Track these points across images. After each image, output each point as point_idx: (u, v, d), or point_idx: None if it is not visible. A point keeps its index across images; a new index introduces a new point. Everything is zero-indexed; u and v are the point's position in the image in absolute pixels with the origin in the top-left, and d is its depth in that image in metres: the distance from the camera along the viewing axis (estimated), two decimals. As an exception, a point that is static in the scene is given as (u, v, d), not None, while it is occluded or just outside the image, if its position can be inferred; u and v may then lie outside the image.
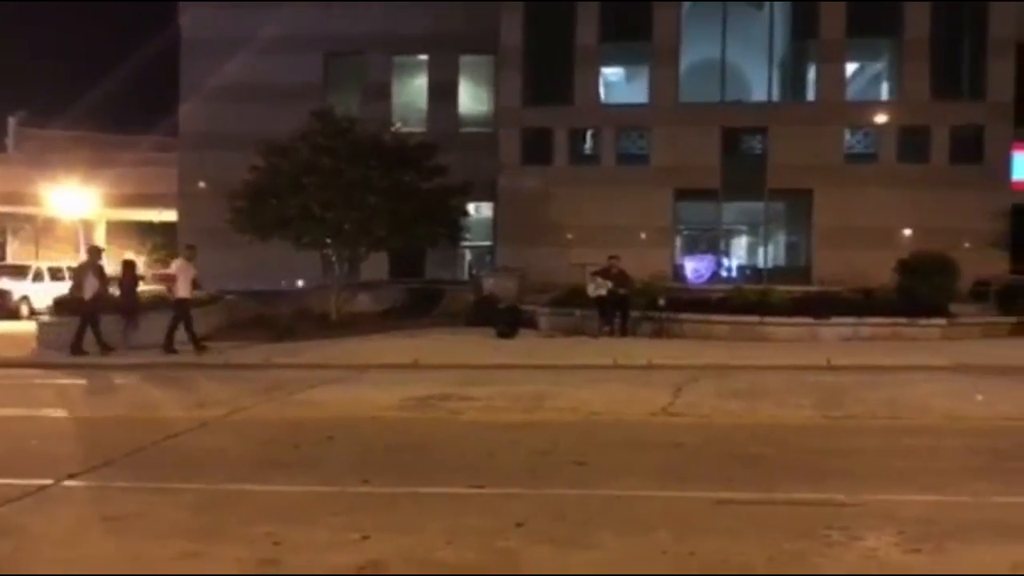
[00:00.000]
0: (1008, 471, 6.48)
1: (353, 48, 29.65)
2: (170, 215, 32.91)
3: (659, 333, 18.23)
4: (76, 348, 15.14)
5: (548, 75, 27.13)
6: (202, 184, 28.29)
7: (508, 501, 5.71)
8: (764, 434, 8.17)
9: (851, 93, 27.26)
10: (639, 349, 15.64)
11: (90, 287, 15.48)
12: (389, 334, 18.37)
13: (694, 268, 25.59)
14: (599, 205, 25.78)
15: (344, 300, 21.76)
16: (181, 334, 15.53)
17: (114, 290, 16.48)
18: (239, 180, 21.21)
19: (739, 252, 31.27)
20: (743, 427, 8.61)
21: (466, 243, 26.91)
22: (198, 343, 15.48)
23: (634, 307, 18.57)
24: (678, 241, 28.24)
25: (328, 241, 21.16)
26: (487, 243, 28.82)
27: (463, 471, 6.60)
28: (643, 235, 25.69)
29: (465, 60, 29.75)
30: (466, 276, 29.43)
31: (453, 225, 22.31)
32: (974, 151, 25.15)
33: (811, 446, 7.51)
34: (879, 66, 28.31)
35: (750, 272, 27.76)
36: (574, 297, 19.76)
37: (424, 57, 30.02)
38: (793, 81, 27.53)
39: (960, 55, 25.72)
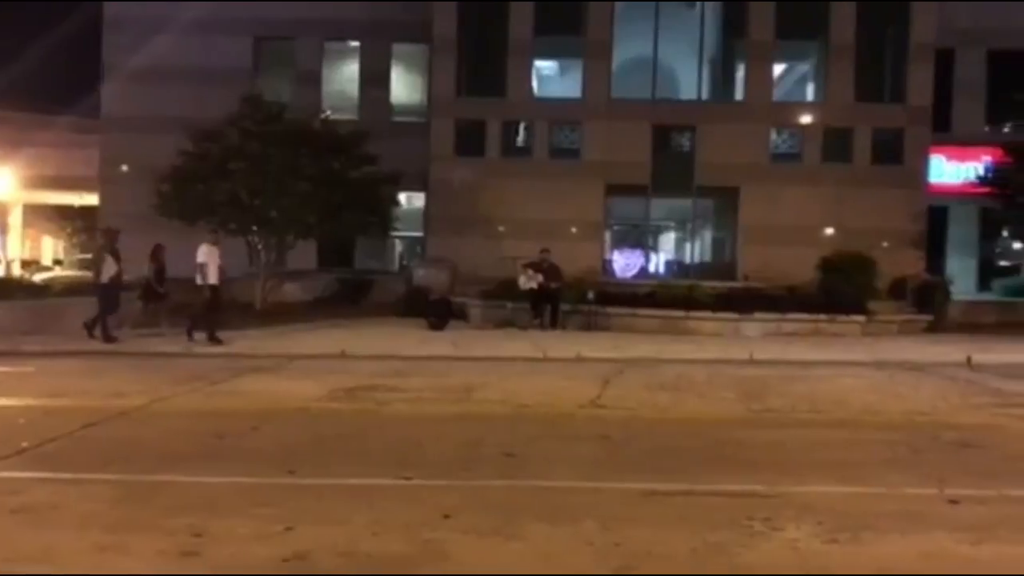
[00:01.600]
0: (921, 463, 6.70)
1: (284, 33, 29.16)
2: (91, 199, 31.93)
3: (588, 326, 18.42)
4: (106, 335, 14.63)
5: (482, 66, 27.10)
6: (125, 168, 27.54)
7: (436, 492, 5.70)
8: (689, 427, 8.31)
9: (778, 94, 27.83)
10: (569, 342, 15.75)
11: (107, 270, 14.97)
12: (317, 324, 18.17)
13: (623, 263, 25.85)
14: (531, 198, 25.87)
15: (271, 289, 21.48)
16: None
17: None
18: (164, 164, 20.78)
19: (667, 248, 31.73)
20: (669, 420, 8.74)
21: (397, 233, 26.75)
22: (214, 335, 14.94)
23: (565, 301, 18.72)
24: (608, 236, 28.50)
25: (255, 228, 20.82)
26: (418, 234, 28.69)
27: (391, 462, 6.56)
28: (574, 229, 25.88)
29: (399, 48, 29.50)
30: (397, 267, 29.29)
31: (384, 214, 22.18)
32: (894, 153, 25.94)
33: (734, 438, 7.66)
34: (806, 68, 28.97)
35: (677, 267, 28.19)
36: (505, 289, 19.81)
37: (356, 44, 29.68)
38: (722, 80, 27.98)
39: (883, 59, 26.47)
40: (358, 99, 29.38)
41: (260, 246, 21.52)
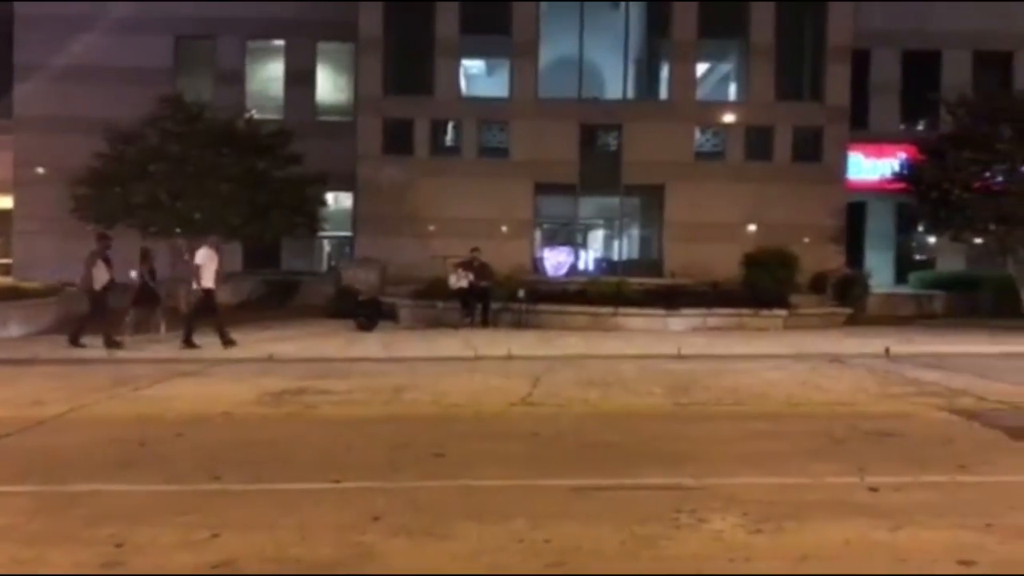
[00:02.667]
0: (841, 453, 6.88)
1: (205, 31, 28.53)
2: (4, 201, 30.81)
3: (519, 324, 18.47)
4: (110, 340, 14.36)
5: (409, 65, 26.93)
6: (41, 170, 26.65)
7: (365, 495, 5.66)
8: (618, 422, 8.40)
9: (702, 93, 28.26)
10: (500, 340, 15.77)
11: (100, 277, 14.55)
12: (243, 327, 17.82)
13: (554, 261, 25.99)
14: (461, 197, 25.82)
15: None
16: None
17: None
18: (81, 166, 20.18)
19: (596, 245, 31.96)
20: (598, 415, 8.82)
21: (324, 233, 26.46)
22: (227, 337, 14.68)
23: (495, 299, 18.75)
24: (538, 234, 28.61)
25: (178, 231, 20.36)
26: (346, 234, 28.38)
27: (319, 466, 6.49)
28: (504, 228, 25.91)
29: (324, 47, 29.12)
30: (325, 267, 28.93)
31: (311, 215, 21.92)
32: (814, 151, 26.56)
33: (661, 432, 7.77)
34: (728, 68, 29.46)
35: (606, 265, 28.41)
36: (436, 289, 19.76)
37: (280, 43, 29.19)
38: (647, 80, 28.32)
39: (802, 60, 27.08)
40: (283, 98, 28.91)
41: (184, 249, 21.06)
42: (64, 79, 26.87)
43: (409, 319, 19.73)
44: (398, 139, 26.53)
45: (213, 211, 19.55)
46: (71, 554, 4.54)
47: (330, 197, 24.69)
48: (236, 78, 28.41)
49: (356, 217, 27.32)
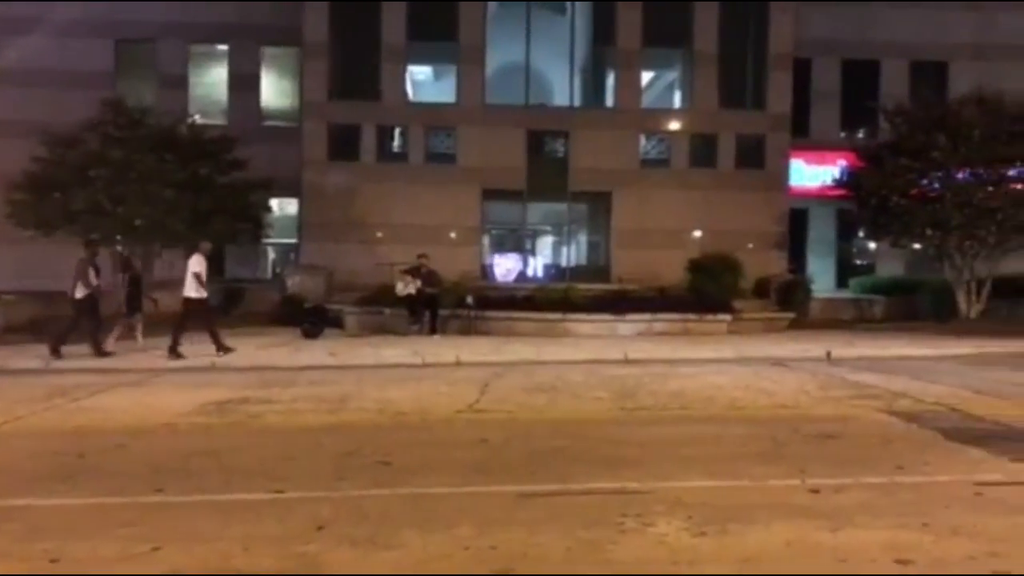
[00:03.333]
0: (784, 455, 6.98)
1: (146, 35, 28.08)
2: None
3: (467, 331, 18.45)
4: (99, 349, 14.25)
5: (355, 70, 26.80)
6: (-25, 175, 25.98)
7: (309, 504, 5.59)
8: (565, 427, 8.42)
9: (647, 100, 28.57)
10: (447, 347, 15.74)
11: (85, 286, 14.27)
12: (185, 335, 17.52)
13: (503, 267, 26.04)
14: (408, 203, 25.74)
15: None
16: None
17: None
18: (18, 171, 19.73)
19: (544, 251, 32.10)
20: (545, 421, 8.83)
21: (269, 240, 26.19)
22: (221, 343, 14.64)
23: (443, 306, 18.70)
24: (486, 240, 28.63)
25: (119, 238, 19.99)
26: (292, 240, 28.12)
27: (263, 476, 6.39)
28: (452, 234, 25.89)
29: (268, 51, 28.88)
30: (270, 274, 28.63)
31: (255, 221, 21.73)
32: (757, 158, 27.01)
33: (608, 437, 7.80)
34: (672, 75, 29.83)
35: (554, 271, 28.56)
36: (382, 296, 19.65)
37: (224, 47, 28.87)
38: (593, 87, 28.54)
39: (744, 68, 27.54)
40: (227, 103, 28.60)
41: (126, 255, 20.70)
42: (1, 82, 26.23)
43: (356, 326, 19.59)
44: (344, 145, 26.39)
45: (156, 217, 19.26)
46: (2, 571, 4.41)
47: (275, 203, 24.50)
48: (179, 82, 28.01)
49: (302, 223, 27.07)
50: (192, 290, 14.64)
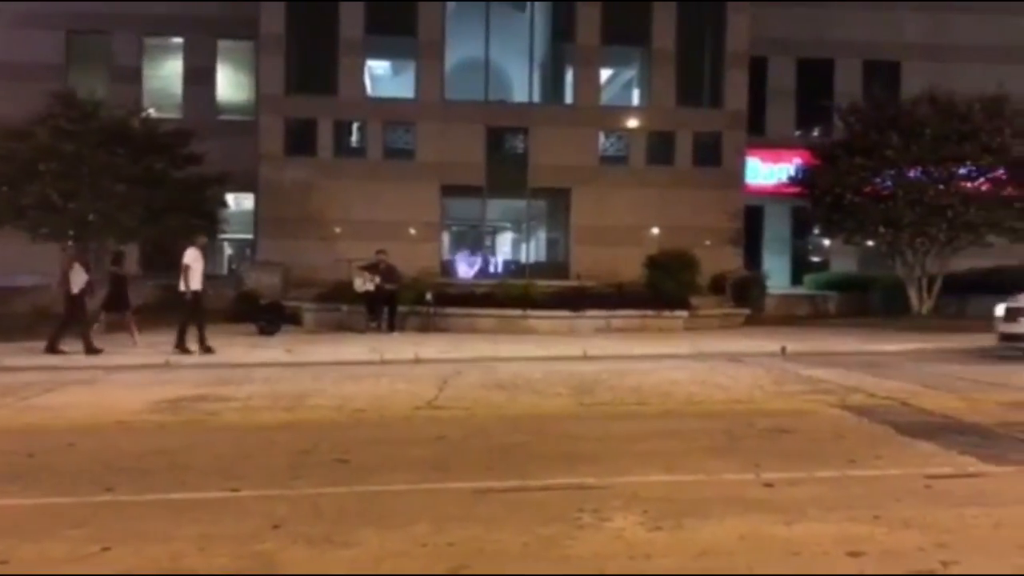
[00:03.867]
0: (739, 450, 7.05)
1: (99, 27, 27.58)
2: None
3: (426, 328, 18.40)
4: (89, 346, 14.04)
5: (312, 64, 26.58)
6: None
7: (265, 503, 5.53)
8: (524, 423, 8.42)
9: (606, 98, 28.69)
10: (406, 344, 15.69)
11: (78, 282, 14.08)
12: (140, 332, 17.26)
13: (466, 264, 26.02)
14: (366, 199, 25.59)
15: (90, 297, 20.28)
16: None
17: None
18: (-35, 164, 19.27)
19: (504, 248, 32.13)
20: (504, 417, 8.83)
21: (225, 236, 25.90)
22: (205, 343, 14.38)
23: (402, 302, 18.62)
24: (445, 236, 28.57)
25: (71, 233, 19.62)
26: (248, 236, 27.82)
27: (218, 475, 6.31)
28: (411, 230, 25.78)
29: (224, 45, 28.54)
30: (226, 271, 28.30)
31: (210, 217, 21.42)
32: (713, 156, 27.27)
33: (566, 433, 7.83)
34: (631, 73, 30.00)
35: (514, 267, 28.59)
36: (340, 292, 19.52)
37: (179, 40, 28.47)
38: (553, 83, 28.60)
39: (702, 67, 27.77)
40: (182, 97, 28.22)
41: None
42: (-54, 74, 25.65)
43: (313, 323, 19.45)
44: (301, 139, 26.17)
45: (108, 213, 18.93)
46: (-52, 574, 4.31)
47: (231, 198, 24.22)
48: (132, 75, 27.59)
49: (258, 219, 26.81)
50: (183, 284, 14.49)
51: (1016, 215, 20.64)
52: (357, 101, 26.74)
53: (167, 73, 28.77)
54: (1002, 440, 7.25)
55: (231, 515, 5.28)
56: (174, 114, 26.38)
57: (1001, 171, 20.59)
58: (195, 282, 14.48)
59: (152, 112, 22.98)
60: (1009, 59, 28.32)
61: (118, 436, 7.95)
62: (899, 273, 22.28)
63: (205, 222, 21.31)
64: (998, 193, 20.71)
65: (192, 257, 14.56)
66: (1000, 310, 13.73)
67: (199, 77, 28.20)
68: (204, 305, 15.11)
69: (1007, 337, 13.17)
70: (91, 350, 14.03)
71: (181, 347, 14.34)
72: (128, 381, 11.62)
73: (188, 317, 14.58)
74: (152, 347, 15.00)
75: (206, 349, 14.36)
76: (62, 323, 14.29)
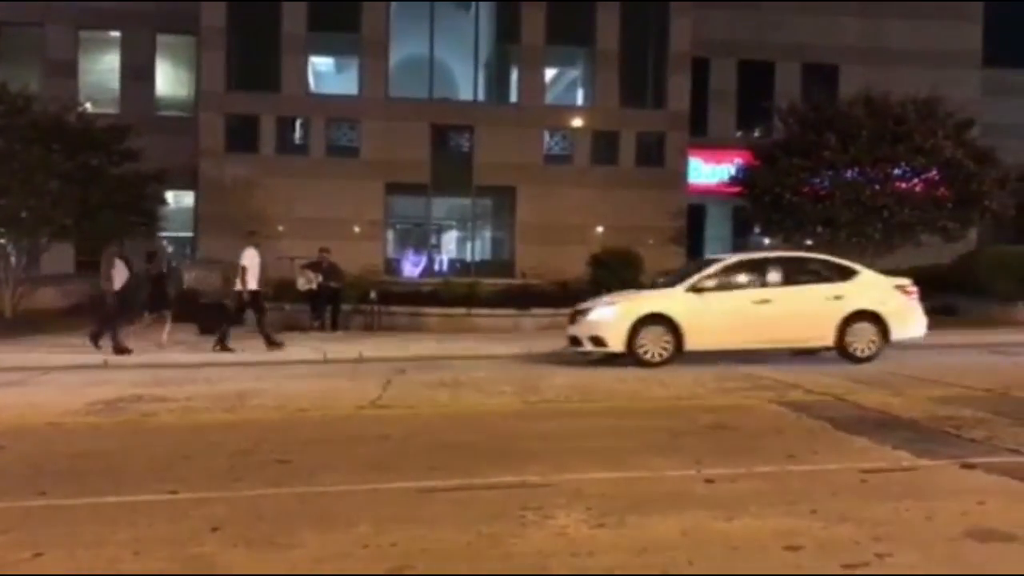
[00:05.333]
0: (681, 446, 7.13)
1: (31, 19, 26.85)
2: None
3: (371, 327, 18.29)
4: (119, 346, 13.83)
5: (254, 60, 26.23)
6: None
7: (204, 505, 5.43)
8: (468, 422, 8.42)
9: (550, 97, 28.78)
10: (350, 343, 15.58)
11: (119, 278, 13.81)
12: (76, 332, 16.86)
13: (411, 262, 25.92)
14: (309, 197, 25.32)
15: (21, 296, 19.78)
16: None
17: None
18: None
19: (449, 246, 32.02)
20: (449, 416, 8.82)
21: (164, 234, 25.39)
22: (272, 339, 14.59)
23: (346, 301, 18.47)
24: (390, 235, 28.41)
25: (2, 230, 19.10)
26: (188, 234, 27.33)
27: (155, 477, 6.19)
28: (356, 228, 25.58)
29: (163, 39, 28.00)
30: (165, 269, 27.74)
31: (149, 214, 21.04)
32: (656, 155, 27.54)
33: (511, 431, 7.84)
34: (575, 73, 30.14)
35: (460, 266, 28.53)
36: (283, 291, 19.28)
37: (116, 34, 27.85)
38: (498, 82, 28.60)
39: (645, 67, 28.02)
40: (119, 92, 27.61)
41: (10, 249, 19.76)
42: None
43: (255, 322, 19.15)
44: (242, 136, 25.80)
45: (41, 210, 18.46)
46: None
47: (170, 196, 23.82)
48: (67, 69, 26.94)
49: (198, 217, 26.37)
50: (239, 283, 14.49)
51: (948, 215, 21.20)
52: (300, 98, 26.45)
53: (104, 67, 28.16)
54: (934, 434, 7.44)
55: (168, 518, 5.18)
56: (111, 109, 25.83)
57: (934, 172, 21.11)
58: (252, 282, 14.42)
59: (88, 107, 22.52)
60: (942, 63, 29.08)
61: (50, 438, 7.76)
62: (837, 272, 22.68)
63: (143, 220, 20.95)
64: (931, 194, 21.24)
65: (249, 257, 14.53)
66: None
67: (137, 72, 27.64)
68: (264, 305, 15.24)
69: (571, 340, 13.13)
70: (122, 350, 13.86)
71: (222, 346, 14.44)
72: (62, 382, 11.35)
73: (231, 318, 14.94)
74: (191, 348, 14.97)
75: (275, 344, 14.58)
76: (104, 320, 14.13)
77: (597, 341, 12.62)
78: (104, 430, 8.16)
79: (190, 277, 21.60)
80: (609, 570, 4.27)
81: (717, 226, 30.90)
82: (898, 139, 20.70)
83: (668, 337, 12.43)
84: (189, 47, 27.32)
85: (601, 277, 20.66)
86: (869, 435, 7.39)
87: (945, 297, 21.17)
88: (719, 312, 12.60)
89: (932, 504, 5.25)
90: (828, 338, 12.85)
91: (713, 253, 30.30)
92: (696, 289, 12.74)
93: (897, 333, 13.05)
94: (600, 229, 26.23)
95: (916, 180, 21.37)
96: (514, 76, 28.22)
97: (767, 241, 29.56)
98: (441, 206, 28.88)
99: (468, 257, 29.26)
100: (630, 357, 12.40)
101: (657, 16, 27.46)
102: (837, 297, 12.89)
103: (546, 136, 27.70)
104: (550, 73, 28.97)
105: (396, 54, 27.04)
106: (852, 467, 6.24)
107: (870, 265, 21.75)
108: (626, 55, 27.52)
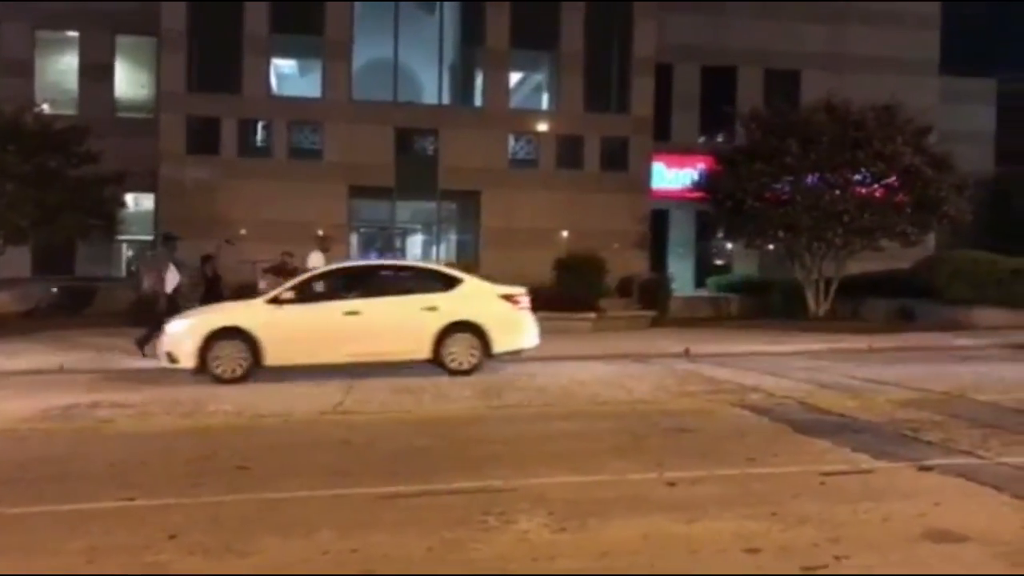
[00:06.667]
0: (643, 449, 7.16)
1: (-15, 17, 26.38)
2: None
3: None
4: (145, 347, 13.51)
5: (216, 62, 25.93)
6: None
7: (161, 512, 5.36)
8: (430, 427, 8.39)
9: (515, 101, 28.80)
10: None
11: (171, 280, 13.83)
12: (31, 336, 16.59)
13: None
14: (272, 200, 25.09)
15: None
16: None
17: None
18: None
19: (414, 250, 31.88)
20: (411, 421, 8.78)
21: (124, 236, 25.05)
22: None
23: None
24: (354, 238, 28.24)
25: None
26: (148, 237, 26.97)
27: (112, 484, 6.10)
28: (319, 232, 25.35)
29: (123, 40, 27.61)
30: (125, 273, 27.38)
31: (108, 216, 20.74)
32: (621, 160, 27.64)
33: (473, 436, 7.83)
34: (540, 77, 30.17)
35: (424, 269, 28.38)
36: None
37: (75, 34, 27.42)
38: (462, 86, 28.56)
39: (609, 72, 28.12)
40: (78, 92, 27.20)
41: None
42: None
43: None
44: (204, 138, 25.49)
45: (-3, 213, 18.14)
46: None
47: (130, 198, 23.51)
48: (24, 69, 26.48)
49: (158, 219, 25.99)
50: None
51: (907, 220, 21.51)
52: (262, 100, 26.21)
53: (62, 68, 27.71)
54: (892, 437, 7.54)
55: (124, 526, 5.11)
56: (70, 110, 25.43)
57: (893, 178, 21.40)
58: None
59: (46, 108, 22.10)
60: (901, 70, 29.53)
61: (3, 445, 7.61)
62: (797, 276, 22.94)
63: (102, 222, 20.64)
64: (891, 199, 21.53)
65: (316, 260, 14.67)
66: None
67: (96, 73, 27.22)
68: None
69: (166, 356, 12.11)
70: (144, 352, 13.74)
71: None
72: (16, 387, 11.14)
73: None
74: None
75: None
76: (156, 323, 13.76)
77: (171, 357, 11.84)
78: (59, 436, 8.02)
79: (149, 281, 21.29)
80: (570, 573, 4.28)
81: (680, 231, 31.11)
82: (858, 145, 20.94)
83: (245, 352, 11.65)
84: (149, 48, 26.95)
85: (566, 281, 20.74)
86: (829, 438, 7.48)
87: (904, 301, 21.56)
88: (302, 325, 11.92)
89: (890, 506, 5.32)
90: (423, 351, 12.22)
91: (677, 258, 30.65)
92: (277, 301, 12.04)
93: (500, 345, 12.57)
94: (565, 233, 26.27)
95: (876, 186, 21.65)
96: (479, 79, 28.20)
97: (730, 246, 29.88)
98: (405, 210, 28.75)
99: (434, 261, 29.16)
100: (205, 373, 11.65)
101: (621, 21, 27.59)
102: (434, 308, 12.31)
103: (511, 140, 27.69)
104: (515, 77, 28.96)
105: (360, 57, 26.90)
106: (812, 469, 6.31)
107: (839, 270, 22.21)
108: (591, 59, 27.62)
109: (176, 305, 14.32)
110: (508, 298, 12.88)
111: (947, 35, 32.08)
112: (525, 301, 13.03)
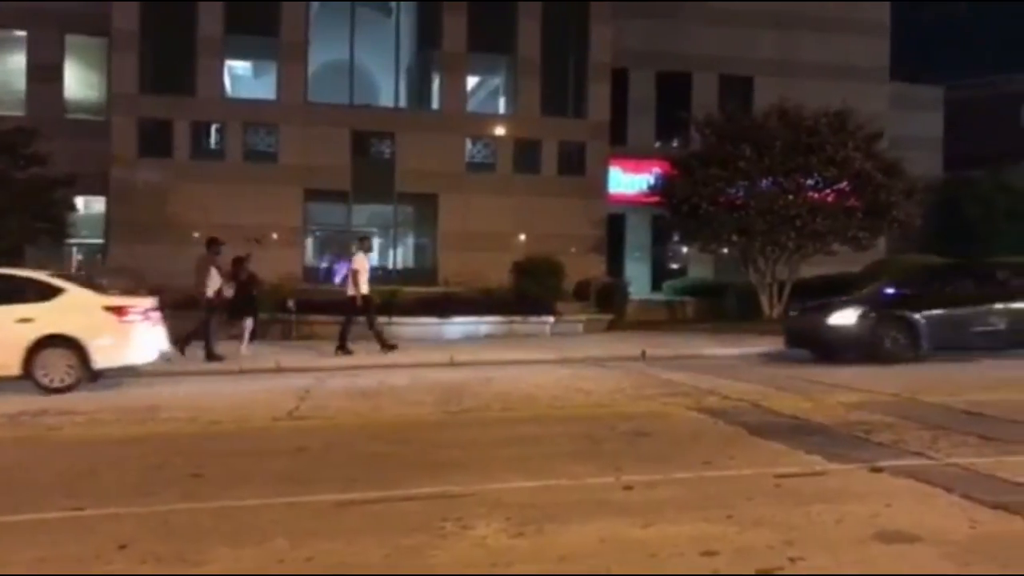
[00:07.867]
0: (600, 453, 7.17)
1: (-71, 15, 25.74)
2: None
3: (289, 336, 18.01)
4: (212, 353, 14.31)
5: (168, 63, 25.58)
6: None
7: (111, 522, 5.25)
8: (388, 432, 8.33)
9: (472, 105, 28.80)
10: (267, 352, 15.31)
11: (213, 284, 13.96)
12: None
13: (340, 270, 25.60)
14: (226, 203, 24.80)
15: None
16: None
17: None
18: None
19: (371, 254, 31.69)
20: (368, 427, 8.71)
21: (74, 240, 24.59)
22: (386, 342, 14.94)
23: (263, 310, 18.09)
24: (310, 242, 28.02)
25: None
26: (99, 241, 26.49)
27: (60, 493, 5.96)
28: (274, 235, 25.14)
29: (72, 40, 27.11)
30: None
31: (57, 220, 20.37)
32: (577, 165, 27.79)
33: (431, 441, 7.78)
34: (497, 81, 30.21)
35: (382, 273, 28.21)
36: (198, 300, 18.79)
37: (22, 33, 26.87)
38: (419, 89, 28.50)
39: (566, 77, 28.25)
40: (25, 93, 26.64)
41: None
42: None
43: (169, 332, 18.64)
44: (156, 141, 25.14)
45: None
46: None
47: (80, 201, 23.08)
48: (-31, 69, 25.85)
49: (110, 223, 25.58)
50: (352, 288, 15.07)
51: (859, 225, 21.88)
52: (216, 102, 25.91)
53: (10, 68, 27.15)
54: (845, 439, 7.63)
55: (73, 536, 5.00)
56: (17, 111, 24.93)
57: (845, 183, 21.77)
58: (364, 286, 14.97)
59: (-8, 109, 21.67)
60: (852, 77, 30.05)
61: (-52, 455, 7.41)
62: (752, 279, 23.23)
63: (51, 226, 20.26)
64: (842, 204, 21.90)
65: (359, 261, 15.07)
66: None
67: (45, 73, 26.70)
68: (374, 308, 15.88)
69: None
70: (182, 351, 14.11)
71: (343, 349, 14.93)
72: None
73: (350, 320, 15.33)
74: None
75: (390, 347, 15.18)
76: (203, 325, 14.24)
77: None
78: (5, 445, 7.84)
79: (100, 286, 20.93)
80: (528, 580, 4.27)
81: (636, 234, 31.32)
82: (811, 150, 21.28)
83: None
84: (100, 48, 26.51)
85: (524, 285, 20.80)
86: (783, 440, 7.55)
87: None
88: None
89: (842, 507, 5.38)
90: (13, 366, 11.15)
91: (633, 262, 30.82)
92: None
93: (102, 360, 11.64)
94: (523, 237, 26.33)
95: (828, 190, 22.01)
96: (436, 83, 28.16)
97: (685, 250, 30.13)
98: (362, 213, 28.60)
99: (390, 265, 29.00)
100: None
101: (577, 25, 27.74)
102: (27, 320, 11.29)
103: (468, 144, 27.69)
104: (472, 80, 28.98)
105: (316, 59, 26.73)
106: (767, 472, 6.35)
107: (792, 274, 22.50)
108: (547, 64, 27.72)
109: (217, 310, 14.77)
110: (115, 310, 11.77)
111: (897, 42, 32.74)
112: (137, 312, 11.98)
